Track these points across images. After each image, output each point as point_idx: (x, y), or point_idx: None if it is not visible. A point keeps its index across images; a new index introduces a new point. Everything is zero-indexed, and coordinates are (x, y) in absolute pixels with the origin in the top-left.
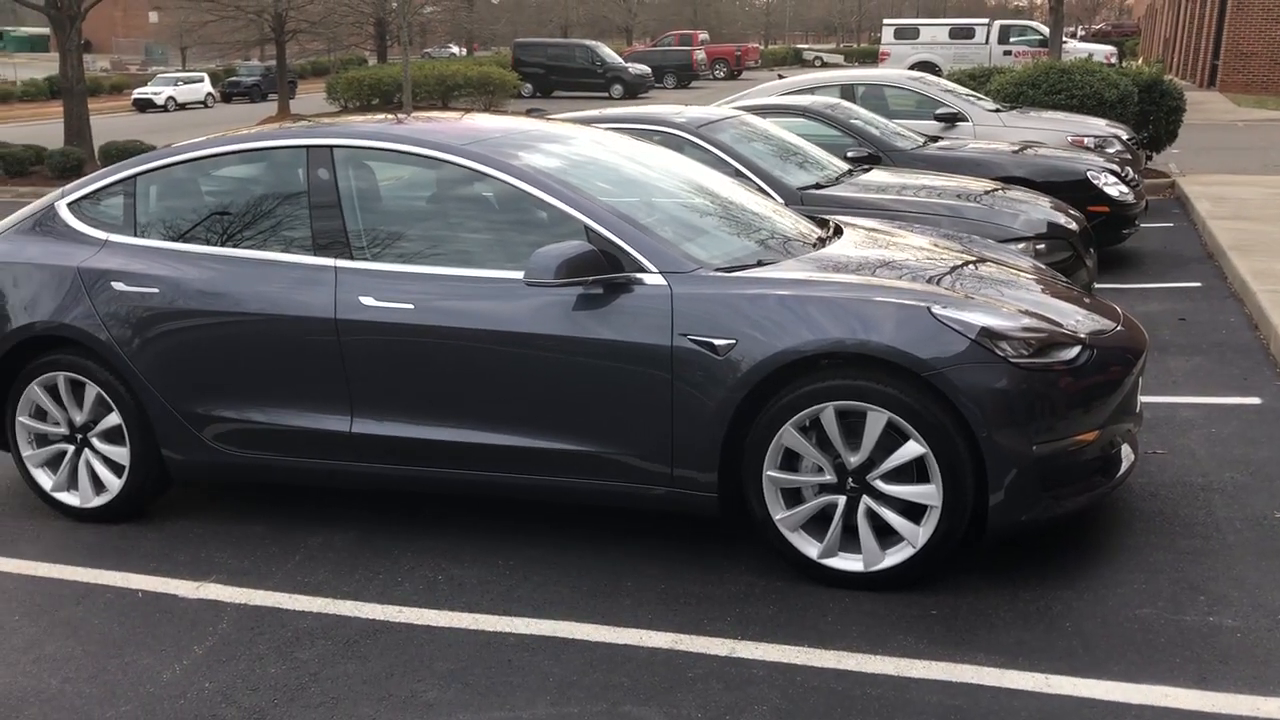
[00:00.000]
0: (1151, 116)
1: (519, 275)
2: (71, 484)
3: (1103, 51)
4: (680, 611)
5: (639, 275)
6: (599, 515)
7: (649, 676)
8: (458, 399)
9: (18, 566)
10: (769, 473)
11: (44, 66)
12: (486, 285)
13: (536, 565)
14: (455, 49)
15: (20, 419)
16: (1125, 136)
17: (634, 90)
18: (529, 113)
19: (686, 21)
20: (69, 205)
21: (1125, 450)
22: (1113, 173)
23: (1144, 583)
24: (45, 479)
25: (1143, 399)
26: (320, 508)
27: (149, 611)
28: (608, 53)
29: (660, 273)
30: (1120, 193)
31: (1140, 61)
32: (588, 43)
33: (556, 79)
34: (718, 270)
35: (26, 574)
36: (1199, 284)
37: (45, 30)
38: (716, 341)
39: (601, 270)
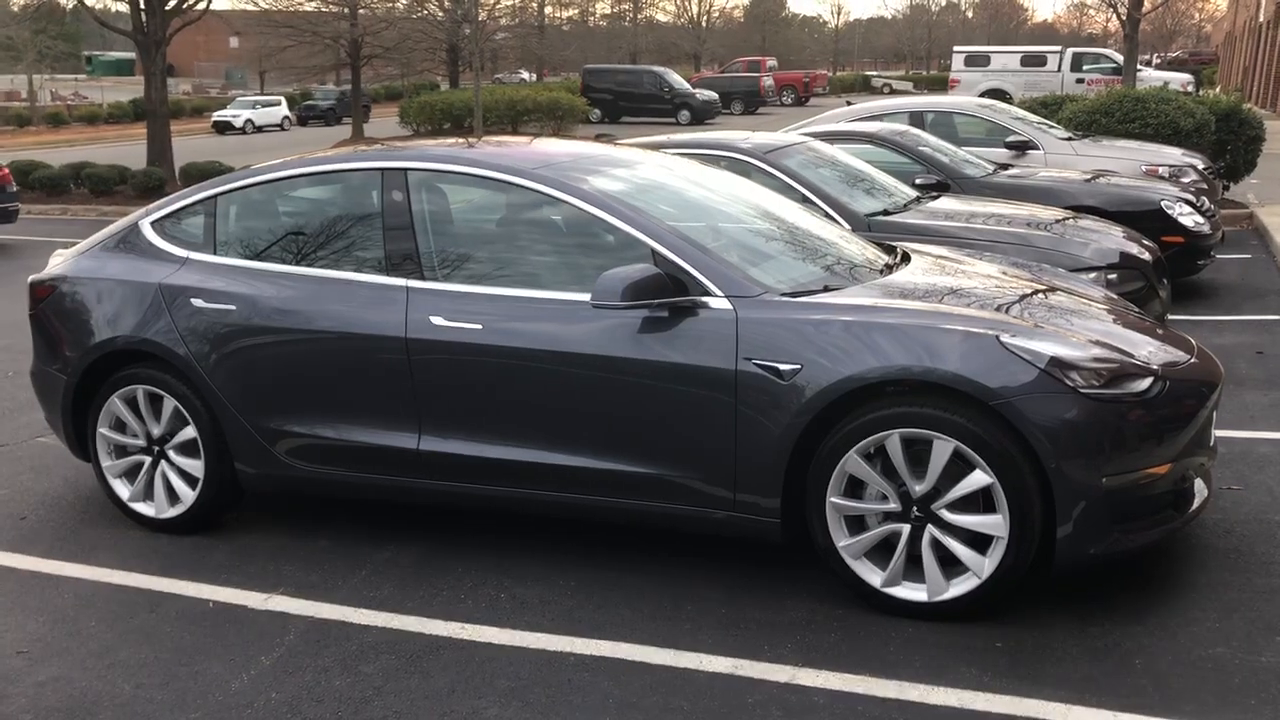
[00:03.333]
0: (1229, 146)
1: (586, 297)
2: (148, 495)
3: (1179, 80)
4: (741, 636)
5: (704, 299)
6: (661, 538)
7: (708, 701)
8: (523, 419)
9: (95, 574)
10: (832, 499)
11: (129, 90)
12: (553, 307)
13: (598, 586)
14: (525, 74)
15: (101, 430)
16: (1201, 166)
17: (701, 116)
18: (598, 138)
19: (755, 48)
20: (152, 224)
21: (1199, 485)
22: (1188, 202)
23: (1218, 621)
24: (123, 489)
25: (1218, 433)
26: (386, 524)
27: (219, 621)
28: (675, 79)
29: (726, 297)
30: (1195, 223)
31: (1218, 90)
32: (656, 69)
33: (625, 104)
34: (783, 295)
35: (103, 581)
36: (1277, 317)
37: (131, 55)
38: (781, 366)
39: (667, 293)
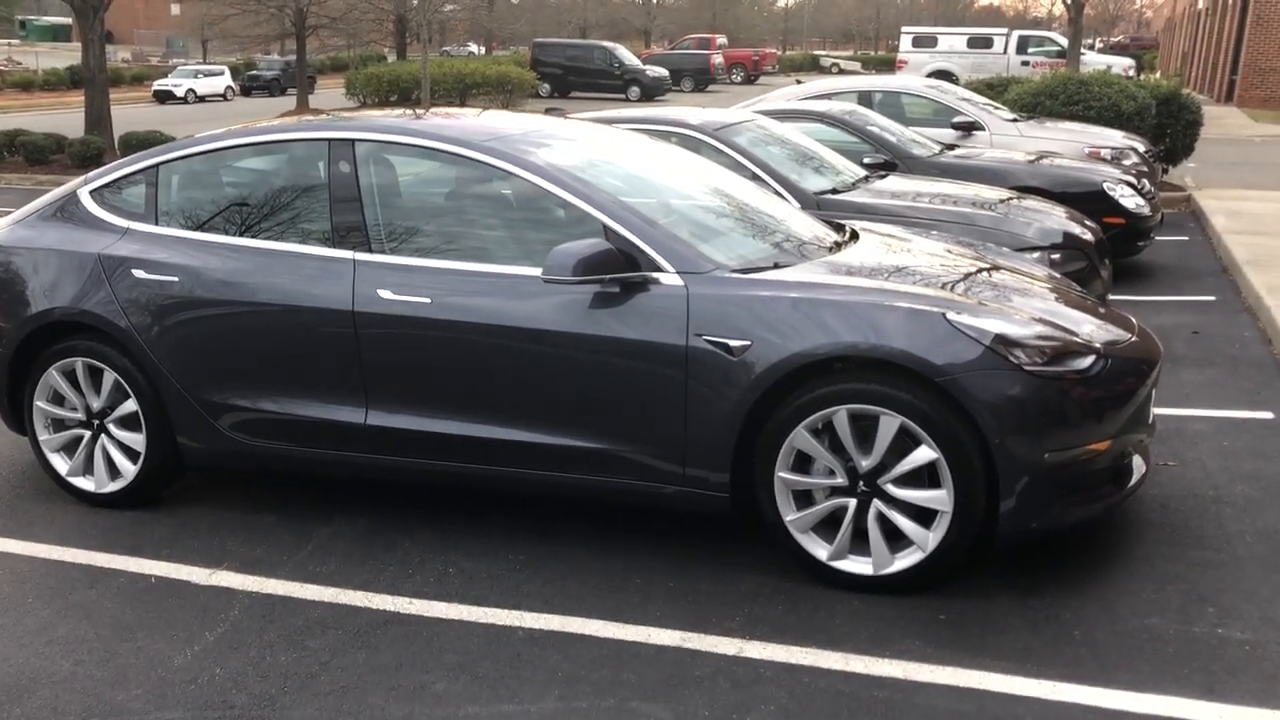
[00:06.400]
0: (1169, 130)
1: (537, 272)
2: (87, 469)
3: (1121, 64)
4: (689, 609)
5: (656, 275)
6: (610, 512)
7: (656, 673)
8: (473, 393)
9: (33, 550)
10: (780, 474)
11: (65, 56)
12: (504, 281)
13: (546, 560)
14: (474, 48)
15: (38, 403)
16: (1142, 149)
17: (651, 92)
18: (548, 112)
19: (705, 25)
20: (91, 193)
21: (1137, 461)
22: (1129, 184)
23: (1153, 593)
24: (61, 464)
25: (1155, 411)
26: (332, 498)
27: (161, 597)
28: (626, 54)
29: (677, 273)
30: (1136, 205)
31: (1158, 75)
32: (606, 44)
33: (574, 80)
34: (734, 272)
35: (41, 557)
36: (1213, 298)
37: (67, 20)
38: (731, 342)
39: (619, 269)
